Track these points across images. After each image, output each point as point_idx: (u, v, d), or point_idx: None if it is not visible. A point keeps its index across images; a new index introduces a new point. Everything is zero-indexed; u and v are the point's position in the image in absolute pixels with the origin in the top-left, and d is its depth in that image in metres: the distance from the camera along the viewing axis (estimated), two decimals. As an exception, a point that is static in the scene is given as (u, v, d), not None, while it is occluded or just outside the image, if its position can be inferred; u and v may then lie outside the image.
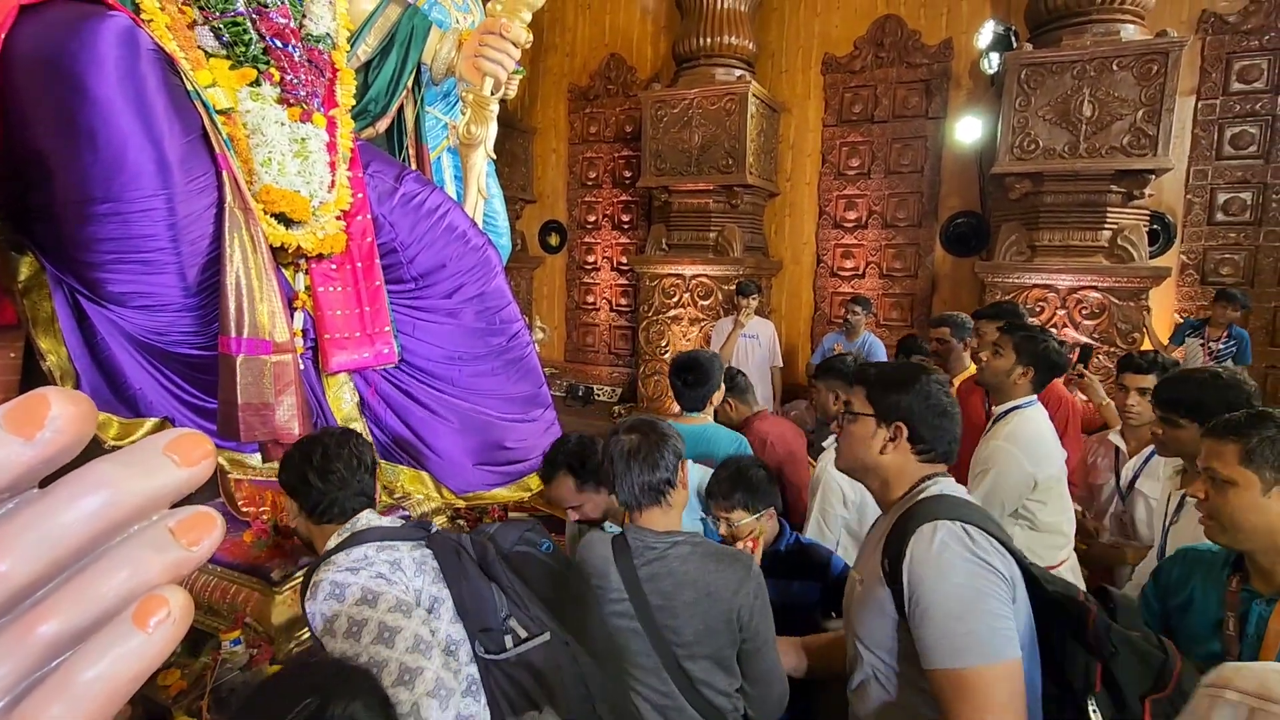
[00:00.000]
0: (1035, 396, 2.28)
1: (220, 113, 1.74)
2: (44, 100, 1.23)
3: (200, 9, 1.64)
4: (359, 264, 2.23)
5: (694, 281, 5.53)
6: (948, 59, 5.31)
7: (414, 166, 2.79)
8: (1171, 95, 3.87)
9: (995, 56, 4.65)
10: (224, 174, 1.48)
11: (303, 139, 2.00)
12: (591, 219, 6.84)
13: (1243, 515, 1.25)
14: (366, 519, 1.25)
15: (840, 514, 2.17)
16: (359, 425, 2.30)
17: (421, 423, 2.38)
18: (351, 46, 2.38)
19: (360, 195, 2.19)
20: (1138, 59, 3.90)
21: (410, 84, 2.74)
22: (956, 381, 3.09)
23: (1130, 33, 4.06)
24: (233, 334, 1.52)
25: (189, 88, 1.46)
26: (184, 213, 1.40)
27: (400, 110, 2.79)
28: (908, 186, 5.54)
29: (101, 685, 0.23)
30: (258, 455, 1.97)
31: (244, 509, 1.93)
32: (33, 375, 1.61)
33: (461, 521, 2.61)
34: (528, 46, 2.75)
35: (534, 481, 2.63)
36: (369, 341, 2.24)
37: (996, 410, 2.33)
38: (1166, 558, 1.53)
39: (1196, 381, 1.80)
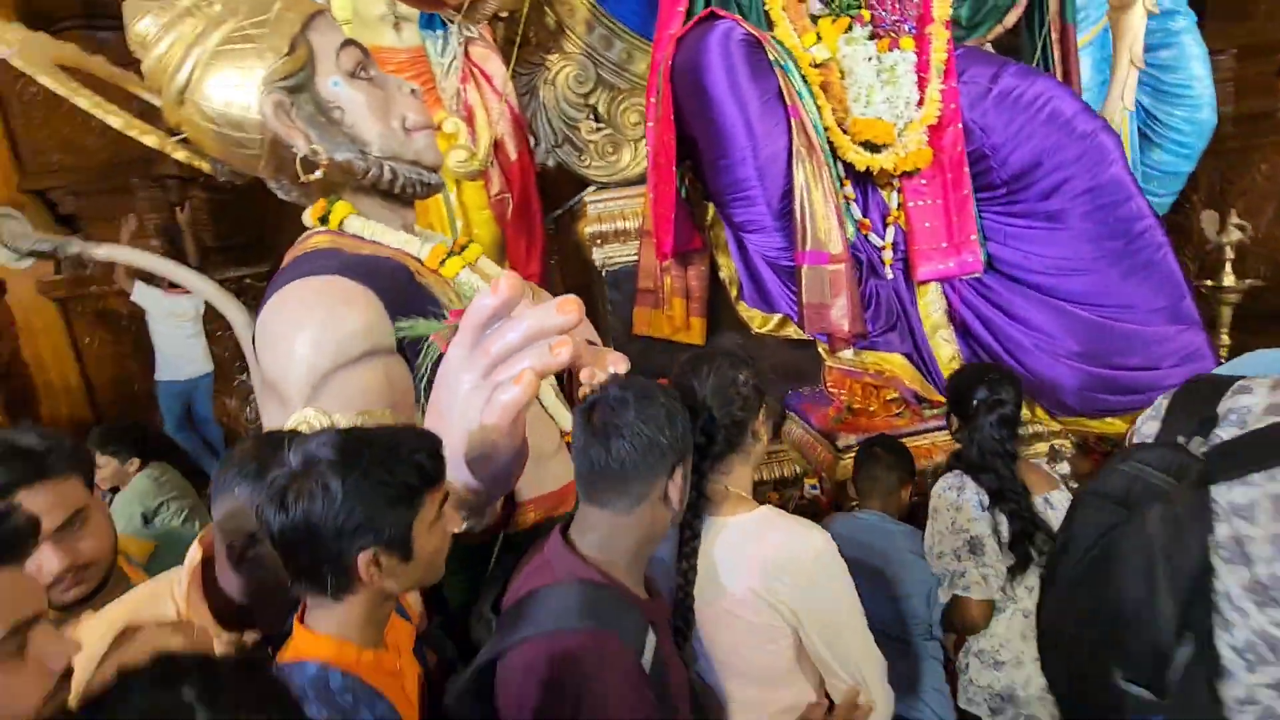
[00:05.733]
0: None
1: (819, 65, 2.13)
2: (687, 101, 1.89)
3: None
4: (949, 175, 2.28)
5: None
6: None
7: (1055, 55, 2.52)
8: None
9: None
10: (792, 120, 1.88)
11: (891, 66, 2.20)
12: None
13: None
14: None
15: None
16: (945, 333, 2.42)
17: (1010, 337, 2.29)
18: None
19: (953, 106, 2.22)
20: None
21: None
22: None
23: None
24: (800, 248, 1.94)
25: (771, 58, 1.89)
26: (765, 157, 1.87)
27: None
28: None
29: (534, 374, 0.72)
30: (850, 350, 2.37)
31: (831, 389, 2.40)
32: (711, 282, 2.46)
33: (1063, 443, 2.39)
34: None
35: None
36: (955, 251, 2.29)
37: None
38: None
39: None
